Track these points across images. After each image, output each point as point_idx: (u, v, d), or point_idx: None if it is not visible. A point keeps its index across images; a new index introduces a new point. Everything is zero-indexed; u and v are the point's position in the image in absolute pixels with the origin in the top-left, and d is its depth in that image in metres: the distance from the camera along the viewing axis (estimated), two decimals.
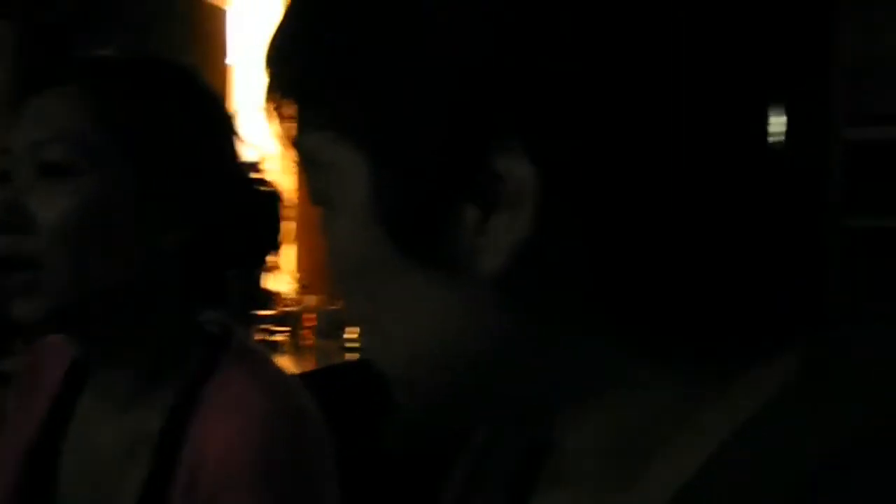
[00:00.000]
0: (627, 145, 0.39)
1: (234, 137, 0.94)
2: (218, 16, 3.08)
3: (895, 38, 3.10)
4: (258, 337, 2.86)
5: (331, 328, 3.02)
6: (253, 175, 0.95)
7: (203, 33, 2.97)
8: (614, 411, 0.44)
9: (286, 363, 2.67)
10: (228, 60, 3.08)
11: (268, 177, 0.97)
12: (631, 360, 0.42)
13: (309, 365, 2.82)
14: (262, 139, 0.50)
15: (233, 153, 0.93)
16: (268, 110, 0.48)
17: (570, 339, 0.42)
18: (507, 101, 0.39)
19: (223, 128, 0.93)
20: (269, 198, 0.96)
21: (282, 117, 0.47)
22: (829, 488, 0.36)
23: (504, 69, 0.39)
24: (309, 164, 0.47)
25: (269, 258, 0.97)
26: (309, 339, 3.00)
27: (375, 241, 0.43)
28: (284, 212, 0.96)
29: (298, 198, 0.95)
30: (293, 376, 0.95)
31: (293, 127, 0.47)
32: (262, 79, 0.48)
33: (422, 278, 0.43)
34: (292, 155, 0.48)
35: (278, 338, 2.94)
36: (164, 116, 0.88)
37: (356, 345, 2.85)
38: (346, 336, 2.89)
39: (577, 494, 0.47)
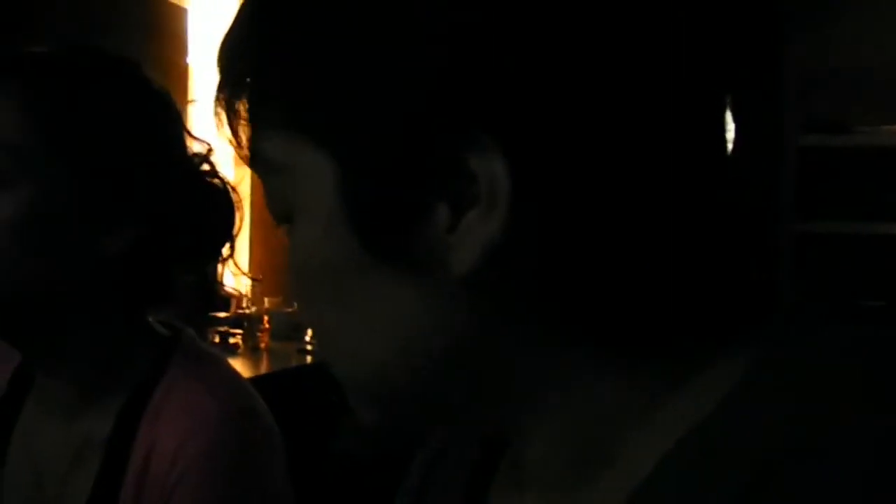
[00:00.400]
0: (596, 145, 0.39)
1: (181, 130, 0.90)
2: (178, 14, 3.04)
3: (848, 46, 3.16)
4: (214, 339, 2.83)
5: (286, 330, 3.00)
6: (203, 168, 0.92)
7: (163, 32, 2.94)
8: (573, 414, 0.43)
9: (241, 365, 2.65)
10: (189, 59, 3.05)
11: (218, 169, 0.93)
12: (589, 363, 0.42)
13: (265, 367, 2.80)
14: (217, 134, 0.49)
15: (179, 147, 0.90)
16: (220, 111, 0.46)
17: (532, 343, 0.42)
18: (481, 98, 0.38)
19: (167, 121, 0.90)
20: (219, 191, 0.92)
21: (235, 119, 0.46)
22: (781, 487, 0.36)
23: (477, 66, 0.38)
24: (266, 168, 0.45)
25: (224, 256, 0.94)
26: (265, 341, 2.98)
27: (343, 244, 0.42)
28: (237, 205, 0.93)
29: (251, 193, 0.92)
30: (244, 379, 0.94)
31: (248, 129, 0.46)
32: (215, 77, 0.46)
33: (390, 280, 0.42)
34: (247, 160, 0.46)
35: (234, 340, 2.92)
36: (104, 116, 0.84)
37: (311, 347, 2.84)
38: (305, 339, 2.88)
39: (535, 498, 0.47)
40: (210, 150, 0.92)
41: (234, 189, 0.93)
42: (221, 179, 0.93)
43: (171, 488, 0.82)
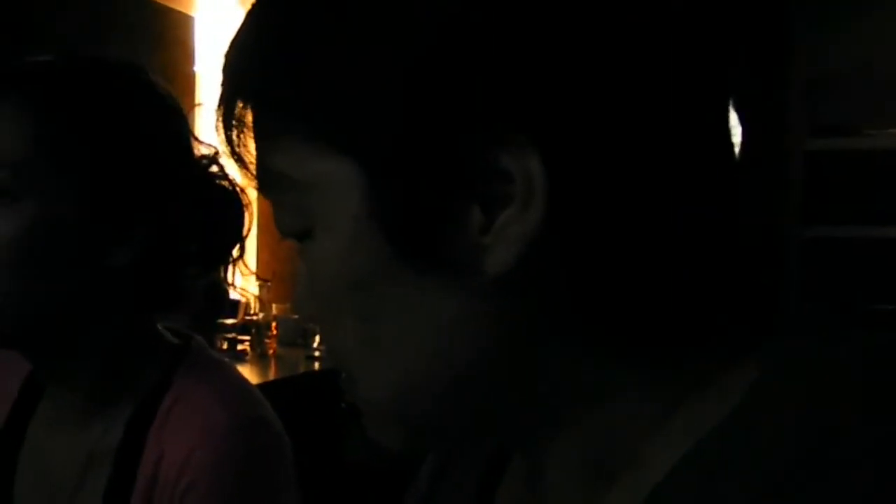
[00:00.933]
0: (623, 144, 0.39)
1: (187, 133, 0.89)
2: (185, 23, 3.05)
3: (855, 49, 3.15)
4: (222, 345, 2.83)
5: (294, 337, 3.00)
6: (210, 170, 0.91)
7: (170, 40, 2.95)
8: (593, 421, 0.43)
9: (249, 372, 2.65)
10: (196, 67, 3.06)
11: (226, 171, 0.92)
12: (612, 369, 0.42)
13: (273, 374, 2.80)
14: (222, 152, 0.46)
15: (186, 151, 0.89)
16: (225, 128, 0.44)
17: (559, 348, 0.42)
18: (515, 96, 0.38)
19: (174, 125, 0.89)
20: (227, 193, 0.92)
21: (242, 134, 0.44)
22: (789, 497, 0.36)
23: (509, 64, 0.38)
24: (279, 184, 0.44)
25: (233, 258, 0.93)
26: (273, 347, 2.98)
27: (372, 254, 0.41)
28: (246, 207, 0.92)
29: (258, 199, 0.91)
30: (253, 386, 0.94)
31: (257, 145, 0.44)
32: (221, 93, 0.44)
33: (422, 288, 0.41)
34: (254, 178, 0.45)
35: (242, 346, 2.92)
36: (110, 125, 0.83)
37: (319, 353, 2.84)
38: (313, 345, 2.88)
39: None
40: (217, 153, 0.91)
41: (242, 190, 0.92)
42: (230, 181, 0.92)
43: (179, 498, 0.82)
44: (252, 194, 0.93)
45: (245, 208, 0.92)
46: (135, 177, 0.83)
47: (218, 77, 0.45)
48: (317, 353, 2.85)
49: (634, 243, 0.40)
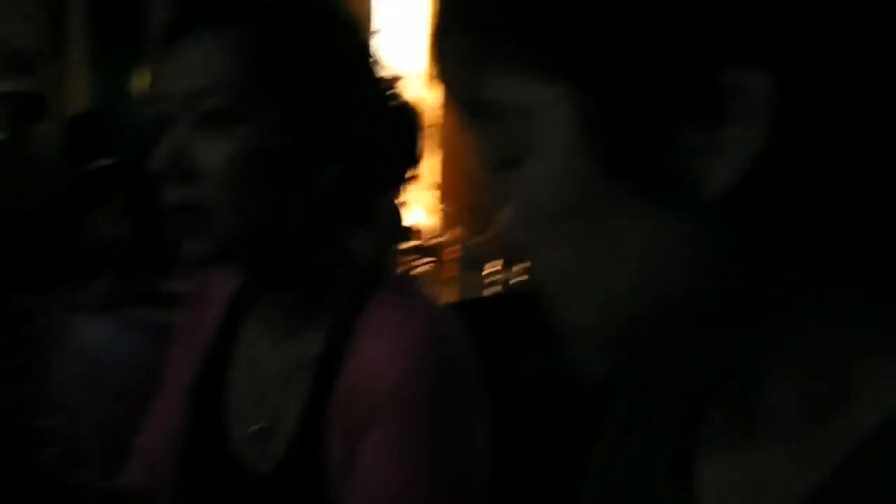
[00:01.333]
0: (849, 64, 0.37)
1: (374, 62, 0.93)
2: None
3: None
4: (406, 268, 2.91)
5: (476, 260, 3.04)
6: (391, 93, 0.95)
7: None
8: (807, 352, 0.42)
9: (431, 294, 2.71)
10: None
11: (405, 95, 0.95)
12: (831, 297, 0.41)
13: (454, 296, 2.85)
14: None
15: (375, 79, 0.93)
16: (442, 58, 0.45)
17: (777, 273, 0.40)
18: (748, 14, 0.37)
19: (365, 55, 0.93)
20: (406, 114, 0.95)
21: (462, 64, 0.44)
22: None
23: None
24: (494, 114, 0.44)
25: (411, 181, 0.97)
26: (452, 271, 3.03)
27: (588, 178, 0.41)
28: (423, 128, 0.95)
29: (444, 127, 0.93)
30: (442, 305, 0.96)
31: (472, 74, 0.44)
32: (437, 23, 0.45)
33: (635, 210, 0.41)
34: (469, 108, 0.45)
35: (422, 269, 2.99)
36: (315, 55, 0.87)
37: (498, 278, 2.87)
38: (488, 270, 2.92)
39: (763, 441, 0.45)
40: (397, 77, 0.94)
41: (420, 112, 0.95)
42: (408, 103, 0.95)
43: (376, 407, 0.85)
44: (429, 117, 0.95)
45: (422, 129, 0.95)
46: (334, 100, 0.87)
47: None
48: (497, 277, 2.88)
49: (854, 166, 0.38)
